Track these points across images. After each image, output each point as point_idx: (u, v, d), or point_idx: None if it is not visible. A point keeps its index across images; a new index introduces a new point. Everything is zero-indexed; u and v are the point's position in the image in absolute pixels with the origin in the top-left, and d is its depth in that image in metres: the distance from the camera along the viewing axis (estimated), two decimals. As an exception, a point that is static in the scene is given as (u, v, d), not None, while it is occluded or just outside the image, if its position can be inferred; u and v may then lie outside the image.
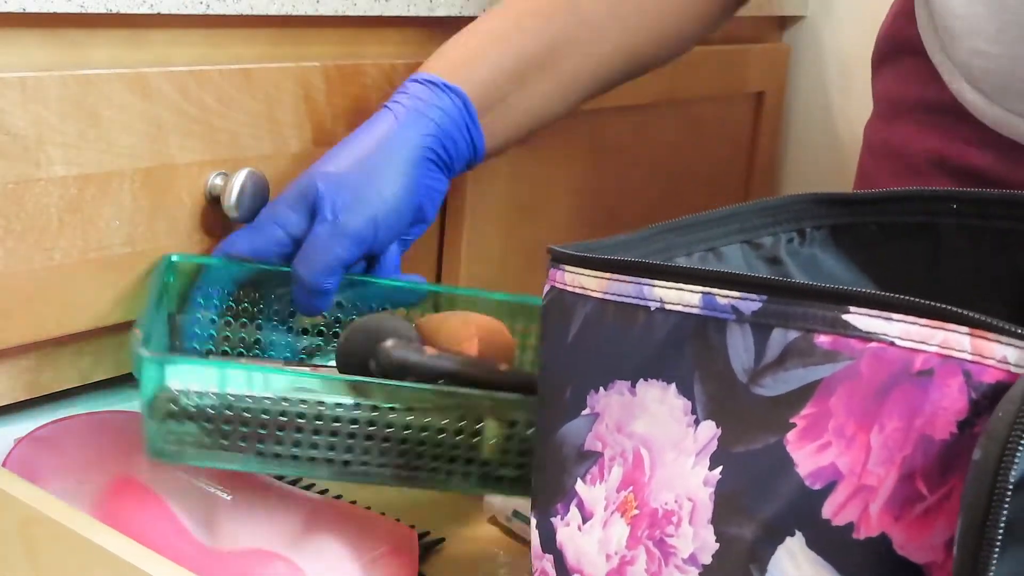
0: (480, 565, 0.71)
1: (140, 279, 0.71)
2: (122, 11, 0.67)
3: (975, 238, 0.57)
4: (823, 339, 0.44)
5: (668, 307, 0.49)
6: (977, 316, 0.40)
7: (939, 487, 0.41)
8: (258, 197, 0.73)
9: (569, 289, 0.54)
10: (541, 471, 0.54)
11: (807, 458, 0.43)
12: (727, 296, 0.47)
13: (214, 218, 0.74)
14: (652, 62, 0.85)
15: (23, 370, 0.68)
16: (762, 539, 0.44)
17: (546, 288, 0.56)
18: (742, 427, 0.46)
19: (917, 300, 0.42)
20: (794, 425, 0.44)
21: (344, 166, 0.71)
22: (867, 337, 0.42)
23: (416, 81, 0.75)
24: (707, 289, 0.47)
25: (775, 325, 0.45)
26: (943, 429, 0.40)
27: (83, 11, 0.65)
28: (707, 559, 0.46)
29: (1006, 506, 0.37)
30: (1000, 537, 0.37)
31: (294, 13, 0.77)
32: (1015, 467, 0.37)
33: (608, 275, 0.51)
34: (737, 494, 0.45)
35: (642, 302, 0.50)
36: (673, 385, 0.48)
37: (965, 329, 0.40)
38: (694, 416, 0.48)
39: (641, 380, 0.50)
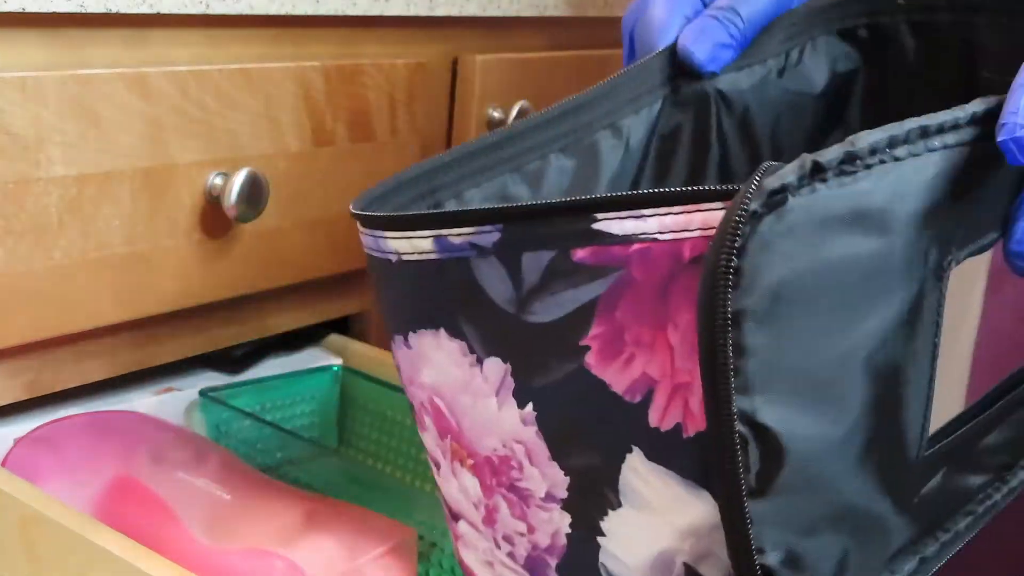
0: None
1: (140, 279, 0.71)
2: (122, 11, 0.67)
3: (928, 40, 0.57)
4: (581, 254, 0.42)
5: (406, 258, 0.47)
6: (725, 187, 0.39)
7: None
8: (258, 197, 0.73)
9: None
10: None
11: (617, 375, 0.42)
12: (460, 235, 0.45)
13: (214, 218, 0.74)
14: None
15: (23, 370, 0.68)
16: (606, 462, 0.44)
17: None
18: (531, 358, 0.45)
19: (661, 191, 0.40)
20: (588, 348, 0.43)
21: None
22: (626, 241, 0.41)
23: None
24: (436, 232, 0.45)
25: (522, 250, 0.43)
26: None
27: (83, 11, 0.66)
28: (563, 493, 0.46)
29: (730, 325, 0.37)
30: (731, 357, 0.37)
31: (294, 13, 0.77)
32: (730, 285, 0.37)
33: (360, 227, 0.49)
34: (564, 427, 0.45)
35: (383, 255, 0.48)
36: (442, 330, 0.47)
37: (719, 204, 0.39)
38: (473, 355, 0.46)
39: (410, 332, 0.48)
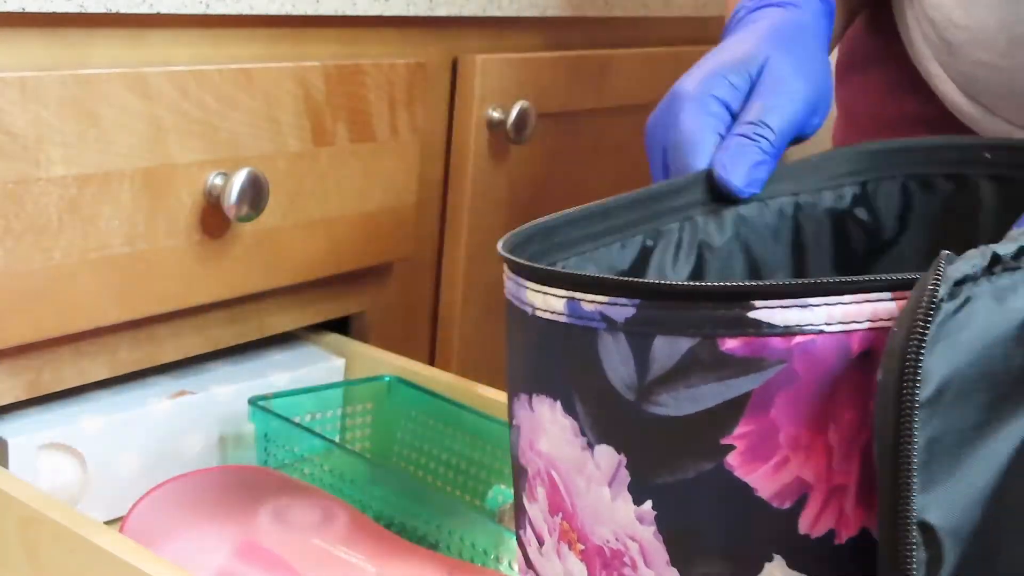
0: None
1: (140, 279, 0.71)
2: (122, 11, 0.67)
3: (1006, 189, 0.55)
4: (731, 344, 0.38)
5: (538, 313, 0.43)
6: (893, 277, 0.37)
7: None
8: (258, 197, 0.73)
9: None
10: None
11: (765, 479, 0.39)
12: (593, 302, 0.40)
13: (214, 218, 0.74)
14: None
15: (23, 370, 0.68)
16: (738, 571, 0.40)
17: None
18: (652, 454, 0.41)
19: (828, 280, 0.37)
20: (731, 447, 0.39)
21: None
22: (787, 333, 0.37)
23: None
24: (570, 294, 0.41)
25: (656, 333, 0.39)
26: None
27: (83, 11, 0.66)
28: None
29: (916, 421, 0.34)
30: (915, 456, 0.34)
31: (294, 13, 0.77)
32: (919, 380, 0.34)
33: (506, 270, 0.45)
34: (689, 532, 0.41)
35: (521, 304, 0.44)
36: (559, 402, 0.43)
37: (888, 295, 0.37)
38: (584, 438, 0.42)
39: (534, 394, 0.44)
